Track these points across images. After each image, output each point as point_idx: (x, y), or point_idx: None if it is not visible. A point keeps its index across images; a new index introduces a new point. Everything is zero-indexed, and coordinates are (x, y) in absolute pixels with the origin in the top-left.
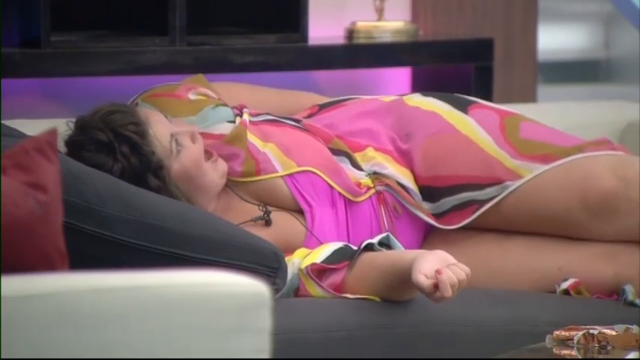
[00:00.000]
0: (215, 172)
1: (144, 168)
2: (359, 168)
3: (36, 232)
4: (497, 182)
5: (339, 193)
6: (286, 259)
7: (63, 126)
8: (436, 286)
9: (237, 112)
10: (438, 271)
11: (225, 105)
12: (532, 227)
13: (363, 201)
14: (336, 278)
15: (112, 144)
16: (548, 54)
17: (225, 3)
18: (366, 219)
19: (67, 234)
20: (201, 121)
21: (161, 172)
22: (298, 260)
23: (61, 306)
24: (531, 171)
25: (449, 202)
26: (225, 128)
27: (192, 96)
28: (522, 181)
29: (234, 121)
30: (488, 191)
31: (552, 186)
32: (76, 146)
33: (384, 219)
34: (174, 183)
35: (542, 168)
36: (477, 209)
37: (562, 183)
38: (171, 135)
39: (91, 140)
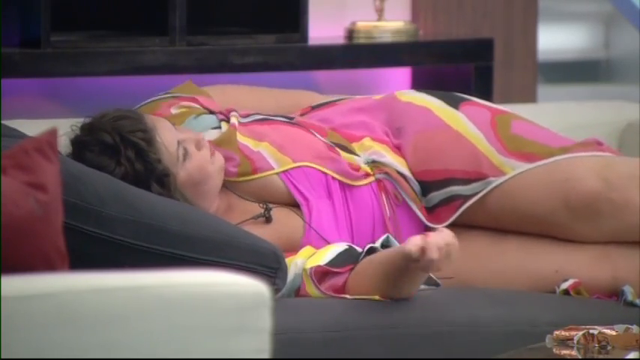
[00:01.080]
0: (215, 171)
1: (147, 175)
2: (357, 155)
3: (36, 232)
4: (482, 177)
5: (334, 179)
6: (289, 258)
7: (63, 126)
8: (424, 252)
9: (221, 117)
10: (425, 235)
11: (209, 112)
12: (519, 226)
13: (362, 186)
14: (338, 281)
15: (118, 147)
16: (548, 54)
17: (225, 3)
18: (368, 205)
19: (66, 234)
20: None
21: (166, 180)
22: (302, 260)
23: (61, 306)
24: (514, 169)
25: (437, 197)
26: (211, 135)
27: (174, 110)
28: (504, 178)
29: (219, 127)
30: (473, 186)
31: (535, 185)
32: (80, 146)
33: (386, 206)
34: (179, 190)
35: (525, 166)
36: (462, 204)
37: (545, 183)
38: (178, 142)
39: (97, 141)
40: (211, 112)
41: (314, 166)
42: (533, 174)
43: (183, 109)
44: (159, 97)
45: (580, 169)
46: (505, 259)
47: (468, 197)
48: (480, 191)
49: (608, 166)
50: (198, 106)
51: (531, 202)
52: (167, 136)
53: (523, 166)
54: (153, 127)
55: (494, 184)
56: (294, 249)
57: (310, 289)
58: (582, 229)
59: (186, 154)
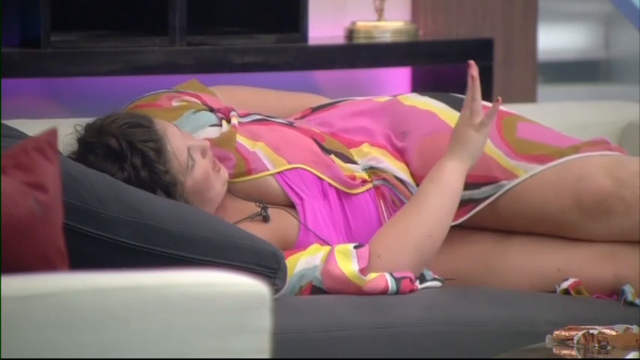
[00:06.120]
0: (218, 183)
1: (152, 183)
2: (354, 163)
3: (36, 232)
4: (492, 181)
5: (330, 185)
6: (295, 255)
7: (63, 126)
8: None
9: (221, 115)
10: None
11: (208, 110)
12: (527, 227)
13: (359, 194)
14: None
15: (124, 154)
16: (548, 54)
17: (225, 3)
18: (365, 213)
19: (65, 235)
20: (181, 125)
21: (173, 189)
22: (310, 257)
23: (61, 306)
24: (527, 171)
25: None
26: (208, 132)
27: (175, 103)
28: (518, 180)
29: (218, 125)
30: (484, 190)
31: (547, 186)
32: (86, 147)
33: (384, 213)
34: (185, 198)
35: (537, 168)
36: (473, 208)
37: (557, 183)
38: (188, 149)
39: (102, 145)
40: (211, 110)
41: (309, 169)
42: (543, 175)
43: (184, 103)
44: (162, 90)
45: (591, 168)
46: (507, 259)
47: (479, 201)
48: (491, 194)
49: (618, 165)
50: (199, 102)
51: (542, 203)
52: (178, 143)
53: (536, 168)
54: (163, 134)
55: (507, 187)
56: (290, 248)
57: (347, 265)
58: (592, 227)
59: (193, 162)
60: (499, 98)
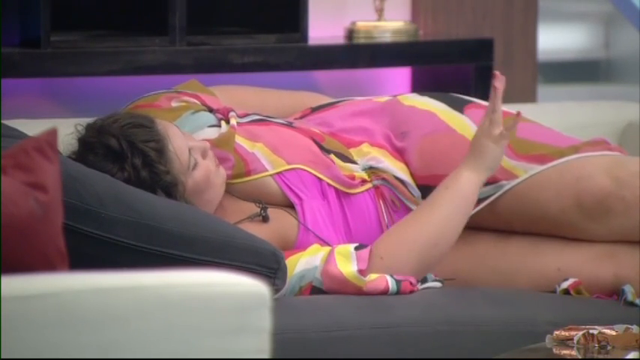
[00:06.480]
0: (218, 182)
1: (153, 184)
2: (354, 163)
3: (36, 232)
4: (492, 181)
5: (329, 185)
6: (295, 255)
7: (63, 126)
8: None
9: (220, 116)
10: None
11: (207, 110)
12: (527, 227)
13: (359, 194)
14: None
15: (125, 154)
16: (548, 54)
17: (225, 3)
18: (364, 212)
19: (65, 235)
20: (180, 126)
21: (173, 190)
22: (310, 257)
23: (61, 306)
24: (527, 171)
25: None
26: (207, 133)
27: (174, 104)
28: (517, 180)
29: (217, 125)
30: (484, 190)
31: (547, 186)
32: (86, 147)
33: (384, 213)
34: (185, 198)
35: (537, 168)
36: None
37: (557, 183)
38: (189, 149)
39: (102, 145)
40: (210, 110)
41: (308, 169)
42: (543, 175)
43: (183, 103)
44: (162, 91)
45: (591, 168)
46: (507, 258)
47: (479, 201)
48: (491, 195)
49: (618, 165)
50: (198, 103)
51: (542, 203)
52: (179, 143)
53: (536, 168)
54: (165, 135)
55: (506, 187)
56: (290, 249)
57: (345, 266)
58: (592, 228)
59: (194, 163)
60: (519, 111)
